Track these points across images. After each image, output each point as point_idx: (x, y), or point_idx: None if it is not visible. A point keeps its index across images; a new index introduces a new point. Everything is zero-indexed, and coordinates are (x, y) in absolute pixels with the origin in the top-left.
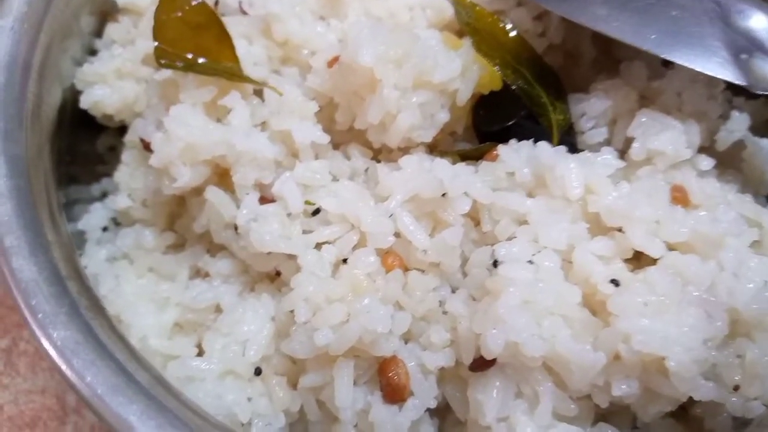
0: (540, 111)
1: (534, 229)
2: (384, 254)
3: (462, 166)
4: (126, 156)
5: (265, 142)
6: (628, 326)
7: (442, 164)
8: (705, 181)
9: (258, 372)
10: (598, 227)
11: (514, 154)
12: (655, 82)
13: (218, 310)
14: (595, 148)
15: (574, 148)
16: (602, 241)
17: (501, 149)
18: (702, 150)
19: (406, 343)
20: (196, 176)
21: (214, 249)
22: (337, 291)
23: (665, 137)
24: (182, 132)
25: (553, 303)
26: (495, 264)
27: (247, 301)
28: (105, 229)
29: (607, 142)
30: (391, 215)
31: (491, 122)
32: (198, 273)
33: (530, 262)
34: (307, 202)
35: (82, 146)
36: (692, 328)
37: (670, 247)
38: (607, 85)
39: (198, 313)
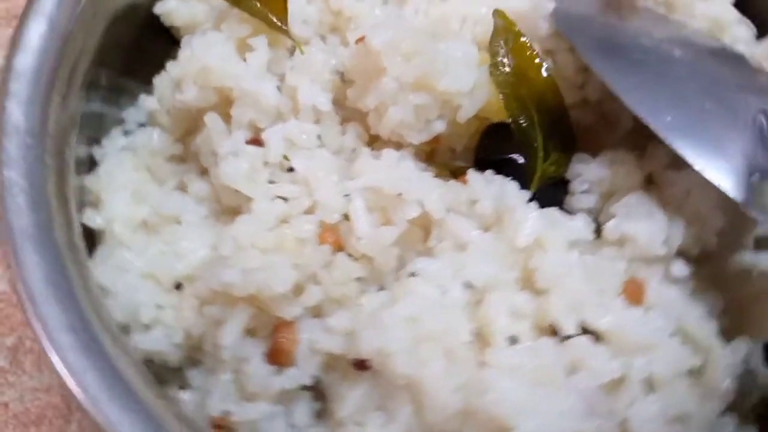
0: (529, 153)
1: (465, 258)
2: (325, 228)
3: (431, 178)
4: (169, 65)
5: (273, 89)
6: (493, 381)
7: (410, 167)
8: (670, 288)
9: (178, 287)
10: (529, 284)
11: (484, 184)
12: (671, 171)
13: (178, 222)
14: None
15: (557, 205)
16: (523, 297)
17: (471, 175)
18: (685, 255)
19: (314, 317)
20: (202, 98)
21: (205, 172)
22: (262, 241)
23: (644, 226)
24: (203, 54)
25: (441, 332)
26: (412, 275)
27: (203, 225)
28: (142, 125)
29: (595, 213)
30: (347, 195)
31: (490, 151)
32: (183, 187)
33: (440, 285)
34: (285, 158)
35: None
36: (561, 414)
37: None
38: (618, 155)
39: (162, 218)
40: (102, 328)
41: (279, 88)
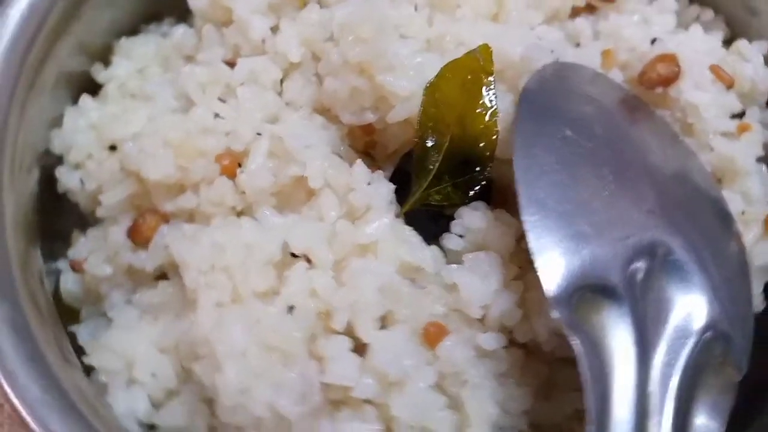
0: (418, 173)
1: (297, 224)
2: (227, 152)
3: (332, 154)
4: None
5: (263, 27)
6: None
7: (323, 137)
8: (465, 351)
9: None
10: (340, 269)
11: (366, 179)
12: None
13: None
14: (451, 254)
15: (432, 235)
16: (326, 279)
17: (359, 167)
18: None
19: (186, 221)
20: (210, 12)
21: None
22: (172, 133)
23: (473, 283)
24: None
25: (237, 264)
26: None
27: None
28: None
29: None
30: (259, 134)
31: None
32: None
33: (262, 237)
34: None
35: None
36: (279, 385)
37: None
38: (504, 217)
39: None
40: None
41: (272, 29)
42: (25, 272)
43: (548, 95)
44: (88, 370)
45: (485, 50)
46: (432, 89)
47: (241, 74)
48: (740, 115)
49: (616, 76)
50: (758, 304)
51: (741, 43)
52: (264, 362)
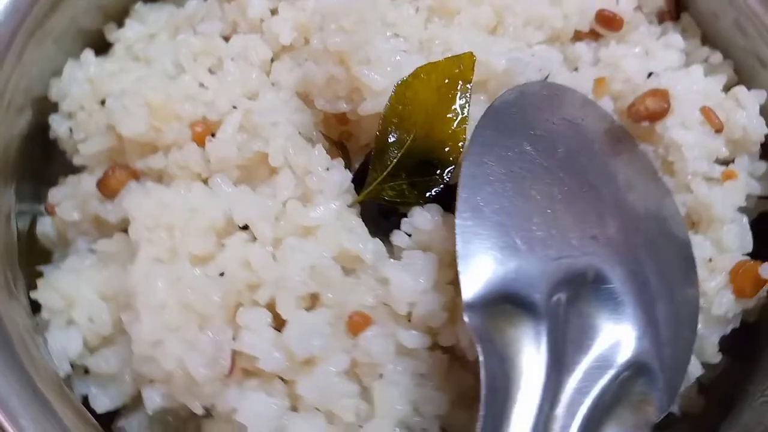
0: (375, 166)
1: (246, 197)
2: (202, 120)
3: (297, 135)
4: None
5: (262, 6)
6: None
7: (293, 119)
8: (384, 344)
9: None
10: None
11: (326, 163)
12: None
13: None
14: (397, 251)
15: (383, 231)
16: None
17: (319, 150)
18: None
19: (155, 181)
20: None
21: None
22: (152, 94)
23: (404, 279)
24: None
25: (184, 218)
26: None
27: None
28: None
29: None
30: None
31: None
32: None
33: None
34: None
35: None
36: (190, 344)
37: None
38: (449, 222)
39: None
40: None
41: (272, 12)
42: None
43: (520, 108)
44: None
45: (468, 58)
46: (403, 87)
47: (232, 49)
48: (730, 161)
49: (607, 104)
50: (713, 354)
51: (739, 89)
52: (179, 319)
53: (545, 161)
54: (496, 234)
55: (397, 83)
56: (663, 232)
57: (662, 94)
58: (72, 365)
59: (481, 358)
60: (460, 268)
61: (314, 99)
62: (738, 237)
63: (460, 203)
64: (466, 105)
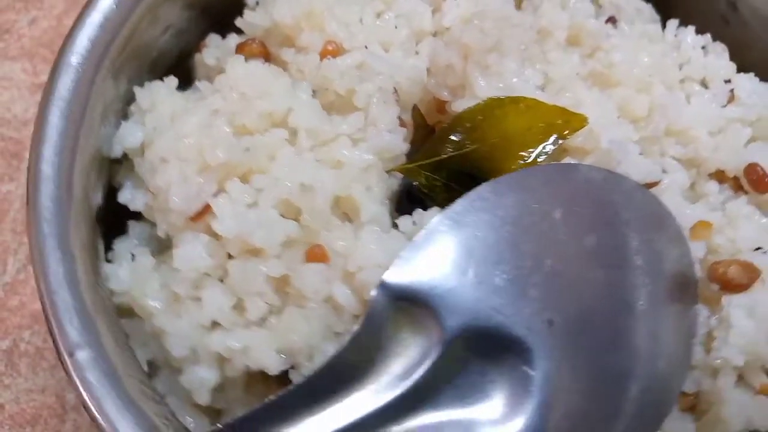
0: (425, 150)
1: None
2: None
3: None
4: None
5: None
6: None
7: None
8: None
9: None
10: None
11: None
12: None
13: None
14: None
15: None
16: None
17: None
18: None
19: None
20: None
21: None
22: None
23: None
24: None
25: None
26: None
27: None
28: None
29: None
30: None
31: None
32: None
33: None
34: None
35: None
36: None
37: None
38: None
39: None
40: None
41: None
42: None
43: (560, 179)
44: None
45: (579, 120)
46: (496, 102)
47: (404, 5)
48: None
49: (698, 249)
50: None
51: None
52: (190, 154)
53: (565, 236)
54: (460, 252)
55: (493, 98)
56: (659, 348)
57: (752, 271)
58: None
59: (356, 330)
60: (404, 251)
61: (429, 77)
62: None
63: (454, 206)
64: (543, 156)
